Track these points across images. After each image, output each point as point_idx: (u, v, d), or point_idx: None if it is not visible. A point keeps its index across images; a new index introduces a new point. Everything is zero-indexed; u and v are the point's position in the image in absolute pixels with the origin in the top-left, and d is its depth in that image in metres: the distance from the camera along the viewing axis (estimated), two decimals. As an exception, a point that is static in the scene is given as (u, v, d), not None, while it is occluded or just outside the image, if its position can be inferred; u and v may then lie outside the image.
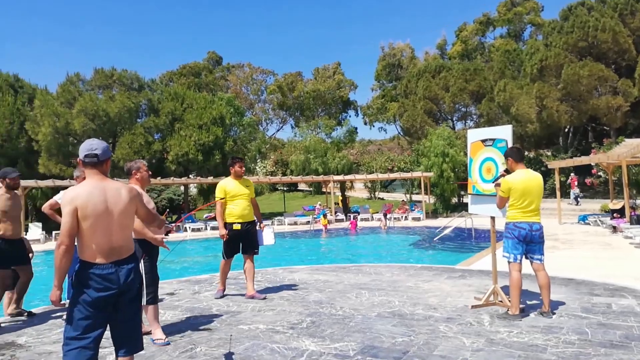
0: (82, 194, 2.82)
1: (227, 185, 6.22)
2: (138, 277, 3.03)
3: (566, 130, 29.89)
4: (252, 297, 6.18)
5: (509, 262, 5.03)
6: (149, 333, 4.55)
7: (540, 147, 32.79)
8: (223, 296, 6.39)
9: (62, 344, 2.83)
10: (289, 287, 6.97)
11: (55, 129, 22.75)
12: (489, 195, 5.61)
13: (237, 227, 6.15)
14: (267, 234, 6.57)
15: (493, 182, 5.27)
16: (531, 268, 5.16)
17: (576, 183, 23.52)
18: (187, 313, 5.51)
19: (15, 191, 5.55)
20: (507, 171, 5.13)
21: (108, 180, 2.98)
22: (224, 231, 6.12)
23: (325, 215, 20.75)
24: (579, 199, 23.06)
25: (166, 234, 4.53)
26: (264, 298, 6.19)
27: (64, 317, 5.26)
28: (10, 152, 23.28)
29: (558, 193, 18.46)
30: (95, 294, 2.78)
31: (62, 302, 2.88)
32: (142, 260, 4.40)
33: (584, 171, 25.51)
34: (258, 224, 6.46)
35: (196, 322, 5.14)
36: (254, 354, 4.09)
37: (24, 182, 18.05)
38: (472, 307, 5.46)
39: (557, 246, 11.48)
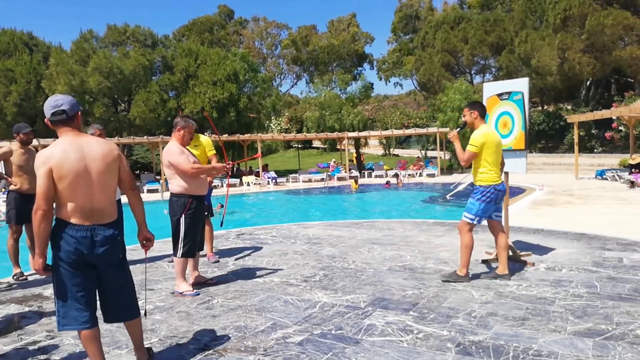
0: (56, 153, 2.64)
1: None
2: (118, 246, 2.85)
3: (588, 83, 29.02)
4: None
5: (468, 223, 4.72)
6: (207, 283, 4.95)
7: (560, 101, 32.02)
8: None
9: (54, 304, 2.79)
10: (303, 242, 7.12)
11: (71, 87, 22.88)
12: (505, 150, 5.56)
13: None
14: None
15: (457, 131, 4.95)
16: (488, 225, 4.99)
17: None
18: (203, 267, 5.69)
19: (29, 146, 5.67)
20: (465, 124, 4.92)
21: (84, 136, 2.78)
22: None
23: (356, 181, 20.12)
24: None
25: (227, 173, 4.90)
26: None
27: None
28: (28, 110, 23.58)
29: (576, 148, 18.15)
30: (67, 255, 2.66)
31: (48, 270, 2.72)
32: (183, 215, 4.57)
33: (604, 125, 24.92)
34: None
35: (213, 276, 5.32)
36: (268, 305, 4.25)
37: (43, 141, 18.38)
38: (483, 261, 5.54)
39: (572, 201, 11.41)
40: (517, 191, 14.24)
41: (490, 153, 4.65)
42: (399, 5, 52.97)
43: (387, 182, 20.08)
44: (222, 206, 5.26)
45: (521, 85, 5.45)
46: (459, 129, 5.00)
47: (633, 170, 15.06)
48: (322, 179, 22.64)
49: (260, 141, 25.47)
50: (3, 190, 10.44)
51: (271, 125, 39.74)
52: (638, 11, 24.99)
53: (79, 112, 2.83)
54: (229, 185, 5.11)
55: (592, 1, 24.85)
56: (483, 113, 4.84)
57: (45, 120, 2.77)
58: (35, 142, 17.95)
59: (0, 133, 22.86)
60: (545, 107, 33.47)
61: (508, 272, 4.80)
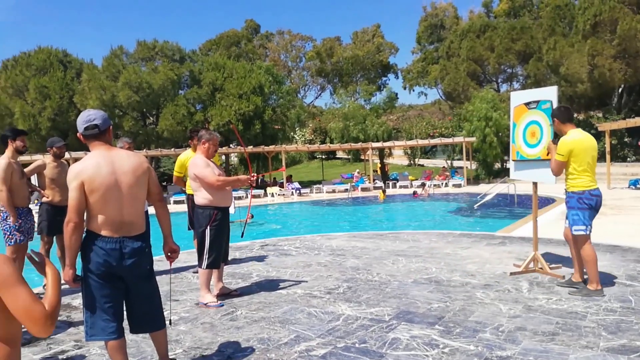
0: (89, 167, 2.70)
1: None
2: (146, 258, 2.89)
3: (620, 90, 28.25)
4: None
5: (582, 235, 4.51)
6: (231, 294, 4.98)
7: (590, 109, 31.21)
8: None
9: (83, 314, 2.84)
10: (327, 253, 7.09)
11: (102, 101, 23.55)
12: (533, 160, 5.45)
13: None
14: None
15: (552, 141, 4.79)
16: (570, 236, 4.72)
17: None
18: (228, 278, 5.73)
19: (62, 160, 5.84)
20: (556, 135, 4.76)
21: (115, 150, 2.85)
22: None
23: (384, 191, 19.94)
24: None
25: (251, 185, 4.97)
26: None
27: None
28: (61, 125, 24.34)
29: (608, 157, 17.63)
30: (96, 266, 2.71)
31: (78, 281, 2.79)
32: (208, 227, 4.62)
33: (637, 133, 24.17)
34: None
35: (237, 287, 5.34)
36: (291, 317, 4.23)
37: (74, 154, 18.93)
38: (511, 274, 5.40)
39: (604, 212, 11.04)
40: (547, 201, 13.90)
41: (580, 159, 4.46)
42: (424, 14, 52.88)
43: (415, 192, 19.89)
44: (252, 216, 5.33)
45: (550, 94, 5.32)
46: (553, 139, 4.87)
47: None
48: (346, 190, 22.57)
49: (285, 152, 25.63)
50: (36, 202, 10.78)
51: (295, 136, 39.96)
52: (672, 15, 24.26)
53: (110, 127, 2.91)
54: (253, 197, 5.11)
55: (623, 6, 24.26)
56: (564, 117, 4.63)
57: (78, 134, 2.85)
58: (67, 155, 18.53)
59: (35, 147, 23.64)
60: (575, 115, 32.70)
61: (601, 287, 4.52)
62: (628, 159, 24.67)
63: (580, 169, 4.48)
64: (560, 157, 4.49)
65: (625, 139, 25.17)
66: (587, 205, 4.48)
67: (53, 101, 24.05)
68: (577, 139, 4.49)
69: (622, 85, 27.38)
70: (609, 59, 24.31)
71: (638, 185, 16.18)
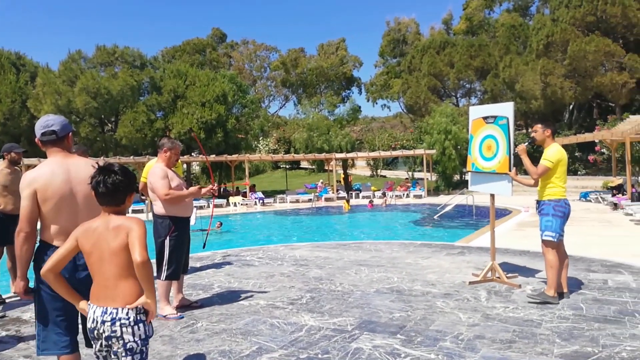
0: (43, 175, 2.58)
1: None
2: None
3: (571, 107, 29.67)
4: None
5: (550, 241, 4.66)
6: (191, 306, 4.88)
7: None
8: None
9: (35, 327, 2.70)
10: (290, 264, 7.06)
11: (57, 107, 22.75)
12: (489, 172, 5.61)
13: None
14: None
15: (525, 145, 5.03)
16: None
17: None
18: (188, 289, 5.60)
19: (16, 167, 5.59)
20: (534, 140, 4.97)
21: (73, 158, 2.74)
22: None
23: (348, 201, 20.02)
24: None
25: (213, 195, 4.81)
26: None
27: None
28: (12, 130, 23.36)
29: (561, 170, 18.40)
30: None
31: (30, 294, 2.64)
32: (167, 237, 4.51)
33: (587, 148, 25.41)
34: None
35: (197, 298, 5.24)
36: (254, 329, 4.18)
37: (27, 160, 18.16)
38: (470, 283, 5.52)
39: (558, 223, 11.51)
40: (503, 213, 14.35)
41: (562, 170, 4.76)
42: (387, 29, 54.01)
43: (371, 202, 20.11)
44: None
45: (506, 110, 5.50)
46: (527, 143, 5.05)
47: (614, 192, 15.32)
48: (310, 200, 22.60)
49: (248, 161, 25.43)
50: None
51: (259, 145, 39.78)
52: (618, 38, 25.78)
53: (70, 134, 2.81)
54: (215, 206, 5.00)
55: (574, 28, 25.59)
56: (555, 132, 4.98)
57: (36, 139, 2.75)
58: (19, 161, 17.73)
59: (-16, 152, 22.57)
60: (530, 130, 34.06)
61: (557, 294, 4.67)
62: (578, 172, 25.87)
63: (559, 178, 4.76)
64: (549, 164, 4.71)
65: (576, 154, 26.44)
66: (562, 213, 4.70)
67: (4, 105, 23.07)
68: (562, 150, 4.80)
69: (573, 103, 28.78)
70: (560, 77, 25.55)
71: (588, 198, 16.96)
